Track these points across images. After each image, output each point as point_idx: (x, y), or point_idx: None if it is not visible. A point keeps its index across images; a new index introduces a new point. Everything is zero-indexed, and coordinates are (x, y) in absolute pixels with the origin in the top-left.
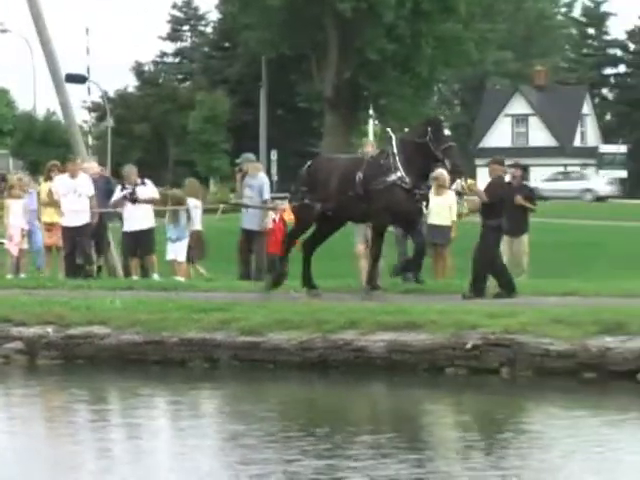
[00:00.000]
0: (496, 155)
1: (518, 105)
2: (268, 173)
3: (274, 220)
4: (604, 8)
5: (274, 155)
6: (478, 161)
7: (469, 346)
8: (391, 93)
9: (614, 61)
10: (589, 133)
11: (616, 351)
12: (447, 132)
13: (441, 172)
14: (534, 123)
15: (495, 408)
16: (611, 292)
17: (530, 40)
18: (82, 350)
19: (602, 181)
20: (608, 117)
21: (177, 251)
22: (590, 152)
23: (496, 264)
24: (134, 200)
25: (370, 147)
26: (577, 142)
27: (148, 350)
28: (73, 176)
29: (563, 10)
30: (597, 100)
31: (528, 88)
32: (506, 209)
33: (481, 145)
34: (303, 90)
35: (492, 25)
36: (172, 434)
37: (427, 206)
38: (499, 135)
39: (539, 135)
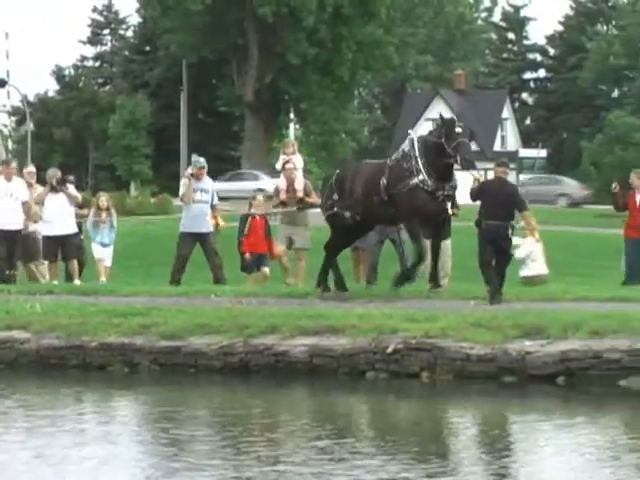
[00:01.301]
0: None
1: (438, 109)
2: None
3: (254, 217)
4: (524, 13)
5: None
6: None
7: (390, 350)
8: (312, 97)
9: (534, 66)
10: (509, 137)
11: (536, 355)
12: (459, 130)
13: None
14: None
15: (416, 412)
16: (531, 296)
17: (450, 44)
18: (2, 355)
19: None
20: (528, 121)
21: (107, 255)
22: (510, 156)
23: (480, 265)
24: (60, 187)
25: (291, 147)
26: (497, 146)
27: (68, 355)
28: (8, 179)
29: (483, 15)
30: (517, 104)
31: (448, 92)
32: (487, 207)
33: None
34: (224, 94)
35: (412, 29)
36: (83, 440)
37: (454, 206)
38: None
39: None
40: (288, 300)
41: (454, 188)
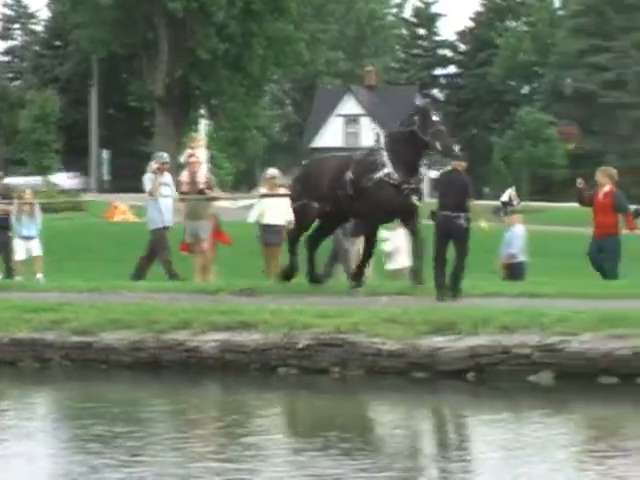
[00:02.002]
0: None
1: (349, 105)
2: (99, 172)
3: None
4: (434, 9)
5: (105, 154)
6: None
7: (301, 346)
8: (222, 92)
9: (444, 62)
10: None
11: (446, 350)
12: (436, 117)
13: (275, 172)
14: (365, 123)
15: (332, 408)
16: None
17: (361, 40)
18: None
19: None
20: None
21: (33, 247)
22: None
23: (433, 258)
24: None
25: (197, 142)
26: None
27: None
28: None
29: (394, 11)
30: (427, 100)
31: (359, 88)
32: (442, 198)
33: (312, 145)
34: (134, 89)
35: (323, 25)
36: (1, 437)
37: (420, 200)
38: (330, 135)
39: (370, 135)
40: (200, 295)
41: (420, 181)
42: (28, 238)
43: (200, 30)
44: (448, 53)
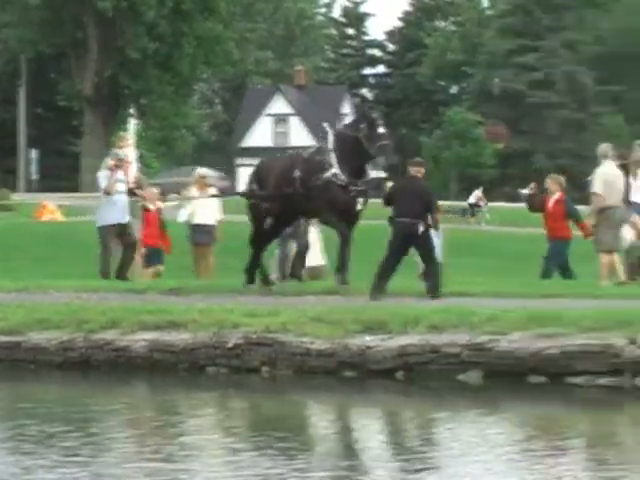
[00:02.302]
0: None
1: (278, 105)
2: (28, 172)
3: (148, 210)
4: (363, 9)
5: (34, 154)
6: (239, 161)
7: (230, 345)
8: (152, 92)
9: (373, 61)
10: None
11: (376, 350)
12: (382, 130)
13: (206, 171)
14: (294, 123)
15: (265, 407)
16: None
17: (290, 40)
18: None
19: None
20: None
21: None
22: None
23: (384, 259)
24: None
25: (125, 141)
26: None
27: None
28: None
29: (323, 10)
30: (357, 100)
31: (288, 88)
32: (400, 205)
33: (242, 145)
34: (64, 88)
35: (252, 25)
36: None
37: (365, 203)
38: (260, 135)
39: (299, 135)
40: (129, 295)
41: (367, 184)
42: None
43: (130, 29)
44: (377, 53)
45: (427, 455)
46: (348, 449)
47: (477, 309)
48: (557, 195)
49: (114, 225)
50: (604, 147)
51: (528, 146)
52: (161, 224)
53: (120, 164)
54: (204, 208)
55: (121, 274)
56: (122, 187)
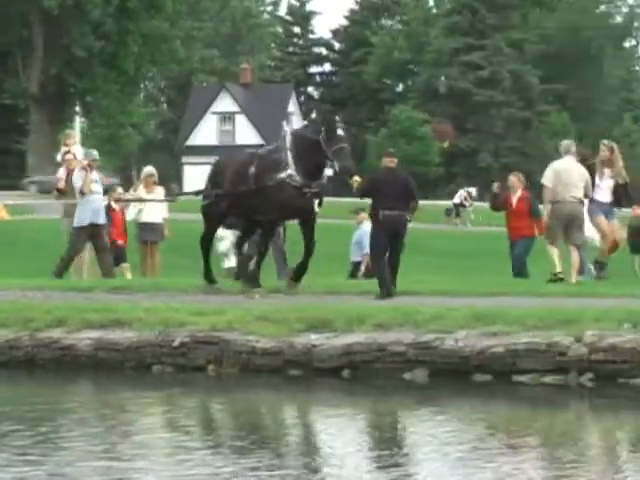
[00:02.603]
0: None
1: (224, 103)
2: None
3: (113, 210)
4: (309, 7)
5: None
6: (185, 159)
7: (176, 343)
8: (97, 90)
9: (319, 60)
10: None
11: (321, 348)
12: (341, 132)
13: (152, 170)
14: (241, 121)
15: (204, 405)
16: (314, 289)
17: (236, 38)
18: None
19: None
20: (314, 115)
21: None
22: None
23: (374, 258)
24: None
25: (72, 139)
26: None
27: None
28: None
29: (269, 9)
30: (303, 98)
31: (234, 86)
32: (385, 198)
33: (188, 143)
34: (9, 87)
35: (198, 23)
36: None
37: (320, 204)
38: (205, 133)
39: (245, 133)
40: (74, 293)
41: (322, 186)
42: None
43: (75, 28)
44: (323, 51)
45: (372, 454)
46: (295, 448)
47: (422, 308)
48: (519, 192)
49: (86, 226)
50: (567, 143)
51: (474, 144)
52: (124, 223)
53: (94, 164)
54: (151, 206)
55: (58, 274)
56: (97, 188)
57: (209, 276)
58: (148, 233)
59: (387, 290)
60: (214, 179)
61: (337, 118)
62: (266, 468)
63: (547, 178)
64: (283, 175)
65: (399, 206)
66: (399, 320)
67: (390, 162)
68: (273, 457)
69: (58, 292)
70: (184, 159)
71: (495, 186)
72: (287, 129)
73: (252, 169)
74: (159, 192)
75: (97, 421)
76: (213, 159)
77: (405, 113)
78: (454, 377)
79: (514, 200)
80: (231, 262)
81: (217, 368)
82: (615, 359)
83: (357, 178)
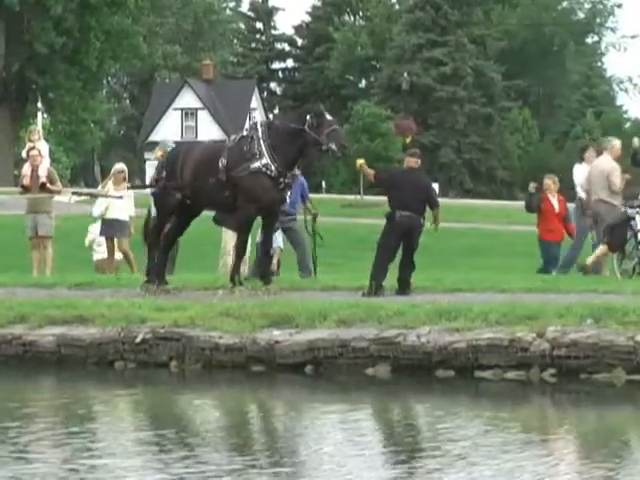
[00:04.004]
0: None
1: (187, 99)
2: None
3: None
4: (272, 3)
5: None
6: (147, 155)
7: (138, 340)
8: (59, 86)
9: (282, 55)
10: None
11: (284, 344)
12: (329, 117)
13: (122, 166)
14: (203, 117)
15: (165, 401)
16: (280, 285)
17: (198, 34)
18: None
19: None
20: (276, 111)
21: None
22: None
23: (379, 256)
24: None
25: (36, 134)
26: None
27: None
28: None
29: (231, 4)
30: (265, 94)
31: (197, 82)
32: (402, 198)
33: (150, 139)
34: None
35: (161, 19)
36: None
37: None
38: (168, 128)
39: (208, 129)
40: (36, 290)
41: (294, 177)
42: None
43: (37, 24)
44: (286, 47)
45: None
46: (252, 443)
47: (385, 303)
48: (556, 195)
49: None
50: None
51: (436, 140)
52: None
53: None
54: (118, 202)
55: None
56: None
57: (160, 275)
58: (112, 230)
59: (376, 289)
60: (170, 168)
61: (322, 106)
62: (224, 464)
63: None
64: (258, 164)
65: (415, 208)
66: (362, 316)
67: (414, 162)
68: (231, 453)
69: (20, 288)
70: (147, 155)
71: (531, 186)
72: (258, 119)
73: (222, 160)
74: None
75: (59, 417)
76: None
77: (367, 109)
78: (417, 373)
79: (554, 203)
80: (99, 254)
81: (180, 364)
82: (577, 354)
83: (361, 160)
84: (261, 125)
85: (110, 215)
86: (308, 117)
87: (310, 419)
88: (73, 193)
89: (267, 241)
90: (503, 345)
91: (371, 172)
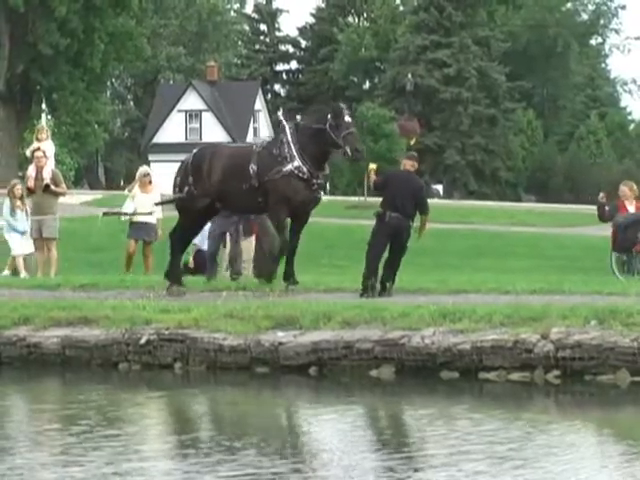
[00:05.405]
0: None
1: (191, 101)
2: None
3: None
4: (276, 5)
5: None
6: (151, 157)
7: (143, 341)
8: (64, 88)
9: (286, 57)
10: (262, 129)
11: (288, 345)
12: (348, 118)
13: (147, 169)
14: (207, 118)
15: (170, 403)
16: (282, 287)
17: (202, 36)
18: None
19: None
20: (280, 112)
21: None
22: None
23: (370, 256)
24: None
25: (44, 133)
26: (250, 137)
27: None
28: None
29: (236, 6)
30: (269, 96)
31: (201, 84)
32: (393, 199)
33: (154, 141)
34: None
35: (164, 20)
36: None
37: (322, 195)
38: (172, 130)
39: (212, 130)
40: (40, 291)
41: (327, 177)
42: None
43: (42, 25)
44: (290, 49)
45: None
46: (257, 446)
47: (390, 305)
48: (635, 203)
49: None
50: None
51: (440, 141)
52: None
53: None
54: (145, 206)
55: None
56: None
57: (175, 274)
58: (141, 232)
59: (372, 290)
60: (196, 173)
61: (343, 105)
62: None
63: None
64: (290, 167)
65: (404, 210)
66: (366, 317)
67: (410, 165)
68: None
69: (25, 290)
70: (151, 157)
71: (601, 196)
72: (286, 123)
73: (252, 166)
74: (155, 191)
75: (64, 418)
76: (180, 157)
77: (372, 110)
78: (421, 374)
79: (632, 211)
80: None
81: (184, 366)
82: (581, 356)
83: (373, 165)
84: (289, 127)
85: (138, 218)
86: (329, 116)
87: (310, 421)
88: (104, 214)
89: (294, 243)
90: (507, 346)
91: (374, 179)
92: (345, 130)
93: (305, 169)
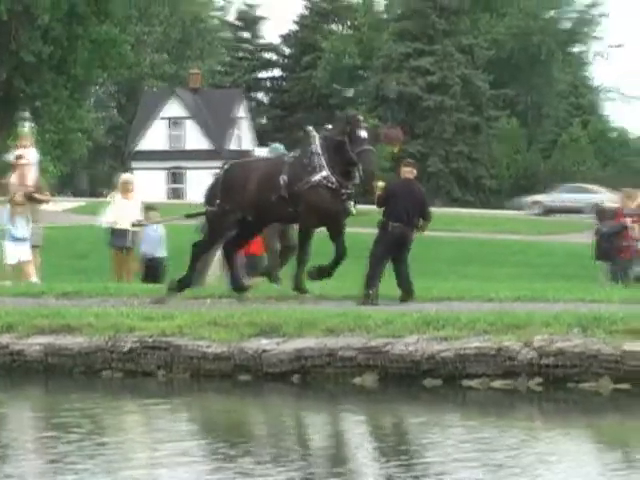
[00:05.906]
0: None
1: (174, 108)
2: None
3: None
4: (258, 12)
5: None
6: (134, 164)
7: (126, 349)
8: (47, 95)
9: (269, 65)
10: (244, 136)
11: (271, 353)
12: (364, 133)
13: (129, 177)
14: (190, 126)
15: (152, 411)
16: (267, 294)
17: (186, 43)
18: None
19: None
20: (264, 120)
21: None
22: (245, 155)
23: (370, 265)
24: None
25: (27, 140)
26: (233, 145)
27: None
28: None
29: (219, 13)
30: (252, 104)
31: (184, 91)
32: (395, 209)
33: (137, 148)
34: None
35: (148, 28)
36: None
37: (355, 205)
38: (155, 138)
39: (195, 138)
40: (23, 299)
41: (356, 186)
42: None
43: (24, 33)
44: (273, 56)
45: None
46: (245, 453)
47: (373, 312)
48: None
49: None
50: None
51: (423, 149)
52: None
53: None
54: (126, 213)
55: None
56: None
57: (186, 283)
58: (123, 239)
59: (374, 297)
60: (228, 187)
61: (360, 117)
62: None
63: None
64: (318, 177)
65: (407, 220)
66: (350, 325)
67: (409, 173)
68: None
69: (8, 297)
70: (134, 164)
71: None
72: (314, 133)
73: (283, 177)
74: (136, 199)
75: (47, 426)
76: (163, 164)
77: None
78: (404, 382)
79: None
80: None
81: (167, 373)
82: (564, 363)
83: (381, 183)
84: (319, 138)
85: (121, 225)
86: (348, 129)
87: (291, 428)
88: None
89: (338, 253)
90: (490, 354)
91: (378, 194)
92: (359, 146)
93: (334, 179)
